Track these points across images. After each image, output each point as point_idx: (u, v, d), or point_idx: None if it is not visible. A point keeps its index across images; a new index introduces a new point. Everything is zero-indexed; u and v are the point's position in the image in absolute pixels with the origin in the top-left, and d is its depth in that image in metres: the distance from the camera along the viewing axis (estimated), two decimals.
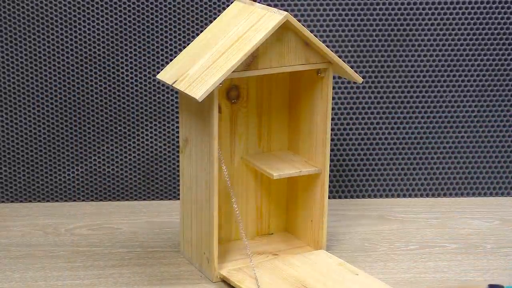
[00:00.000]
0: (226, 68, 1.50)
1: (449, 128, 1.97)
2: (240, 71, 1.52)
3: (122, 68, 1.89)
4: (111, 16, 1.86)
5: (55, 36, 1.86)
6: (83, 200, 1.95)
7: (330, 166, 1.93)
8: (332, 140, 1.95)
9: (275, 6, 1.87)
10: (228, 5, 1.77)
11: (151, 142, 1.93)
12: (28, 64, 1.87)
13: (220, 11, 1.86)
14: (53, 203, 1.94)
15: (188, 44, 1.67)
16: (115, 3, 1.86)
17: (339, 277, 1.57)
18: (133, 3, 1.86)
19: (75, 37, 1.86)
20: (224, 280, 1.59)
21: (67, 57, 1.87)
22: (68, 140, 1.92)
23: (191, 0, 1.86)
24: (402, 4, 1.90)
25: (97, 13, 1.86)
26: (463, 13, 1.91)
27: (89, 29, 1.86)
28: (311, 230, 1.71)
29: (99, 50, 1.87)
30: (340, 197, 1.99)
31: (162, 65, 1.88)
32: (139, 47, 1.88)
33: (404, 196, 2.00)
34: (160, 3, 1.86)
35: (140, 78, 1.90)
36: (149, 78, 1.90)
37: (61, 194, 1.94)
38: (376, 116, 1.95)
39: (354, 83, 1.93)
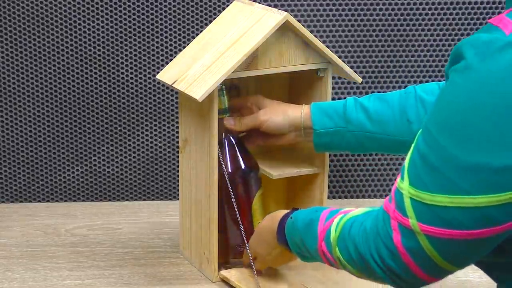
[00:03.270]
0: (226, 68, 1.50)
1: None
2: (240, 71, 1.52)
3: (122, 68, 1.89)
4: (111, 16, 1.86)
5: (55, 36, 1.86)
6: (83, 200, 1.95)
7: (330, 166, 1.93)
8: None
9: (275, 6, 1.87)
10: (228, 5, 1.77)
11: (151, 142, 1.93)
12: (28, 64, 1.87)
13: (220, 11, 1.86)
14: (53, 203, 1.94)
15: (188, 44, 1.66)
16: (115, 3, 1.86)
17: (339, 277, 1.57)
18: (133, 3, 1.86)
19: (75, 37, 1.86)
20: (224, 280, 1.59)
21: (67, 57, 1.87)
22: (68, 140, 1.92)
23: (191, 0, 1.87)
24: (402, 4, 1.90)
25: (97, 13, 1.86)
26: (463, 13, 1.91)
27: (89, 29, 1.86)
28: None
29: (99, 50, 1.87)
30: (340, 197, 1.99)
31: (162, 65, 1.88)
32: (139, 47, 1.88)
33: None
34: (160, 3, 1.86)
35: (140, 78, 1.90)
36: (149, 78, 1.90)
37: (61, 194, 1.94)
38: None
39: (354, 83, 1.93)
